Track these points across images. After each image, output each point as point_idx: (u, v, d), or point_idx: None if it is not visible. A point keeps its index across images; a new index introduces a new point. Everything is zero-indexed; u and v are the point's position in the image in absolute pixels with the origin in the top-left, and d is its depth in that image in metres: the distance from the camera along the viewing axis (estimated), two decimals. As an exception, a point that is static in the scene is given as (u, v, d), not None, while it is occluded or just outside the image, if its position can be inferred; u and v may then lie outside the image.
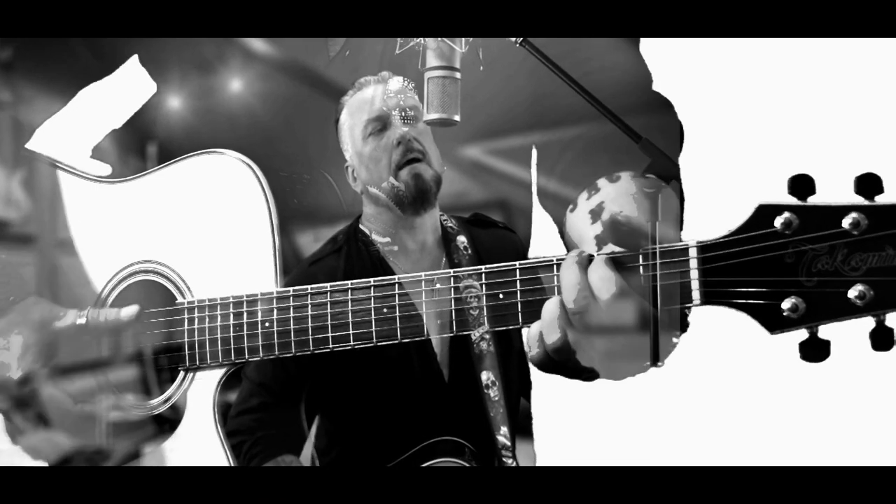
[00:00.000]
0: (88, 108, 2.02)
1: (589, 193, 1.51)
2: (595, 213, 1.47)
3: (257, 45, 1.95)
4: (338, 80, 1.93)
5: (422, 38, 1.63)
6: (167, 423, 1.63)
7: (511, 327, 1.40)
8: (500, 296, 1.38)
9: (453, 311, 1.47)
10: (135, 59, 2.00)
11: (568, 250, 1.63)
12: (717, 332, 1.34)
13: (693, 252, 1.20)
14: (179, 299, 1.61)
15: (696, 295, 1.20)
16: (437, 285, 1.62)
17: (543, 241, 1.89)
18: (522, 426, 1.91)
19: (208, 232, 1.61)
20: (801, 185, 1.15)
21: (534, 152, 1.91)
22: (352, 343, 1.50)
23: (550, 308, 1.31)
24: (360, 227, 1.87)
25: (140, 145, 1.94)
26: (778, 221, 1.15)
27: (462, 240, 1.88)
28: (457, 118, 1.62)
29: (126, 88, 2.04)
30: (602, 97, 1.57)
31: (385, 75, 1.87)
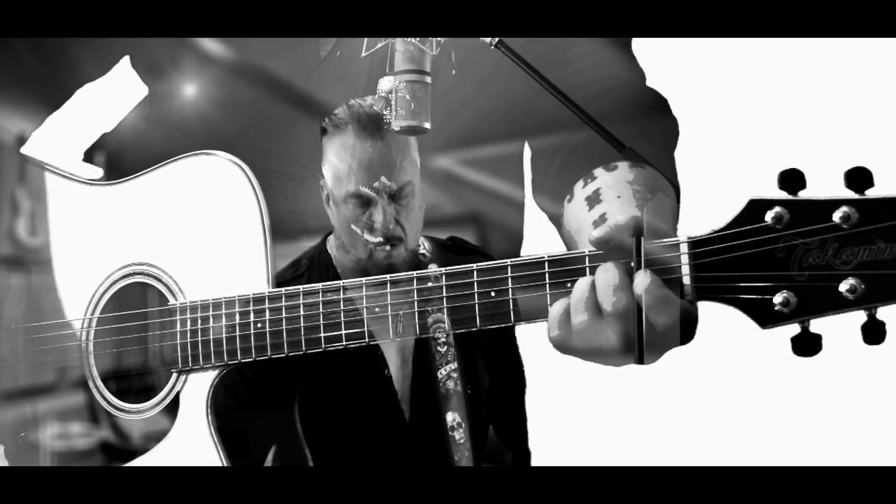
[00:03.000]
0: (78, 112, 1.99)
1: (585, 182, 1.49)
2: (591, 200, 1.45)
3: (213, 47, 1.86)
4: (300, 86, 1.86)
5: (390, 40, 1.57)
6: (115, 450, 1.61)
7: (503, 325, 1.38)
8: (493, 293, 1.38)
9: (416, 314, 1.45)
10: (126, 60, 1.96)
11: (566, 244, 1.61)
12: (708, 327, 1.34)
13: (684, 248, 1.20)
14: (172, 301, 1.61)
15: (687, 290, 1.20)
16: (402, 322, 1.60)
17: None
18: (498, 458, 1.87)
19: (200, 233, 1.60)
20: (792, 179, 1.15)
21: (527, 153, 1.87)
22: (344, 343, 1.49)
23: (581, 287, 1.26)
24: (328, 250, 1.82)
25: (87, 155, 1.88)
26: (769, 216, 1.15)
27: (434, 269, 1.84)
28: (427, 126, 1.56)
29: (116, 92, 2.00)
30: (590, 96, 1.55)
31: (381, 117, 1.73)
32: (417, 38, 1.56)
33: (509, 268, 1.36)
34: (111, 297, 1.66)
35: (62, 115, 1.95)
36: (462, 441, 1.75)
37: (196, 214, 1.61)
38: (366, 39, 1.63)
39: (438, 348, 1.78)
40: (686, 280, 1.19)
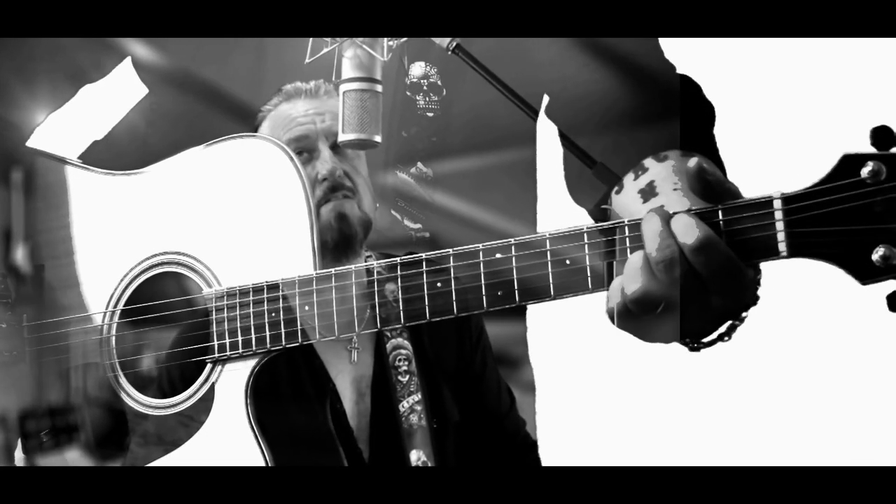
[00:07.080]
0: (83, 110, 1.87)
1: (636, 174, 1.45)
2: (646, 193, 1.40)
3: (141, 52, 1.74)
4: (239, 96, 1.75)
5: (336, 42, 1.47)
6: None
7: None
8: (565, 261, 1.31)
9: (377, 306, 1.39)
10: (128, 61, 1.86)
11: None
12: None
13: (777, 203, 1.17)
14: (206, 290, 1.51)
15: (782, 247, 1.17)
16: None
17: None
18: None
19: (236, 219, 1.50)
20: (883, 136, 1.15)
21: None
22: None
23: (633, 259, 1.22)
24: None
25: (3, 170, 1.67)
26: (864, 171, 1.14)
27: (391, 288, 1.74)
28: (377, 139, 1.49)
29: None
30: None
31: (317, 86, 1.70)
32: (366, 42, 1.48)
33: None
34: (138, 288, 1.57)
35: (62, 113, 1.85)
36: None
37: (229, 200, 1.51)
38: (310, 41, 1.53)
39: (400, 378, 1.67)
40: (780, 237, 1.17)
